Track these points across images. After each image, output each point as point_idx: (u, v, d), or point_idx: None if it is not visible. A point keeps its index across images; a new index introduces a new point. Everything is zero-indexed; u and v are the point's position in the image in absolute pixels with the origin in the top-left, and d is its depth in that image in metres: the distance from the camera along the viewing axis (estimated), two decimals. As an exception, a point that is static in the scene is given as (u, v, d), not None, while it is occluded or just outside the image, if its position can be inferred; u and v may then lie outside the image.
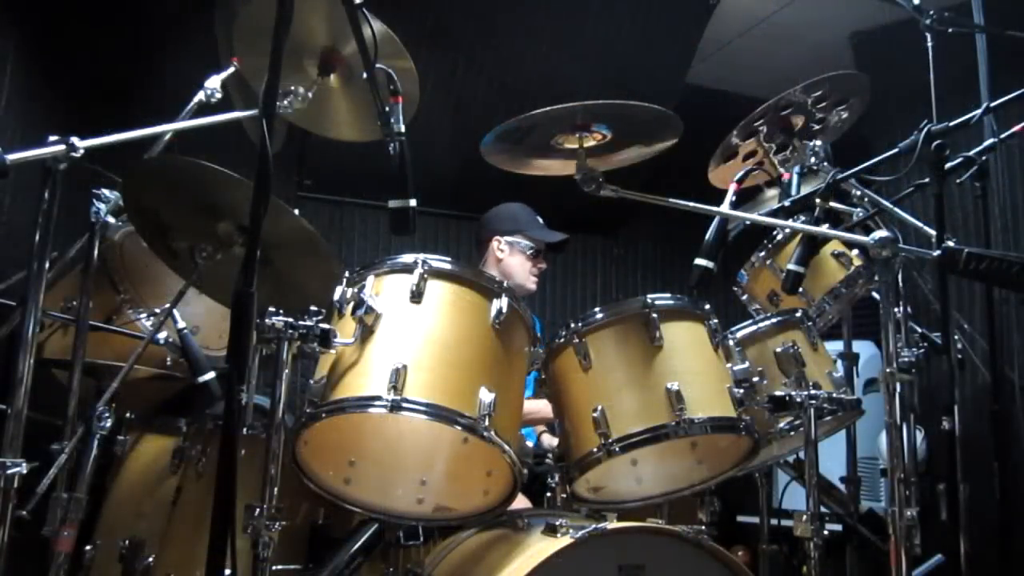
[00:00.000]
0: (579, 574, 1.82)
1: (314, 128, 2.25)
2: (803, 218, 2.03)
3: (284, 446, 1.69)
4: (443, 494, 1.98)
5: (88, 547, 2.13)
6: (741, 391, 2.00)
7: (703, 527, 1.96)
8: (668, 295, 2.04)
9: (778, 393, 2.09)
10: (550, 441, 2.97)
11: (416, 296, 1.83)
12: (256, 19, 1.95)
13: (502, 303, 1.88)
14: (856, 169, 2.01)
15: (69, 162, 1.64)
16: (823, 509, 2.06)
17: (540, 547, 1.83)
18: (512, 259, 3.23)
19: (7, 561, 1.57)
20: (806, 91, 2.34)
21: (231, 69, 2.16)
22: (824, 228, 1.97)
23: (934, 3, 2.47)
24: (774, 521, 2.77)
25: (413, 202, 1.76)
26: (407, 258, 1.89)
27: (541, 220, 3.28)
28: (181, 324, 2.13)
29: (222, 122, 2.00)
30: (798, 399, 2.08)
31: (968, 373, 2.79)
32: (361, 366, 1.76)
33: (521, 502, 2.50)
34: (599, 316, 2.02)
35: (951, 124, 1.82)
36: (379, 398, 1.70)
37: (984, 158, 2.05)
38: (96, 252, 2.06)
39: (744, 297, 2.65)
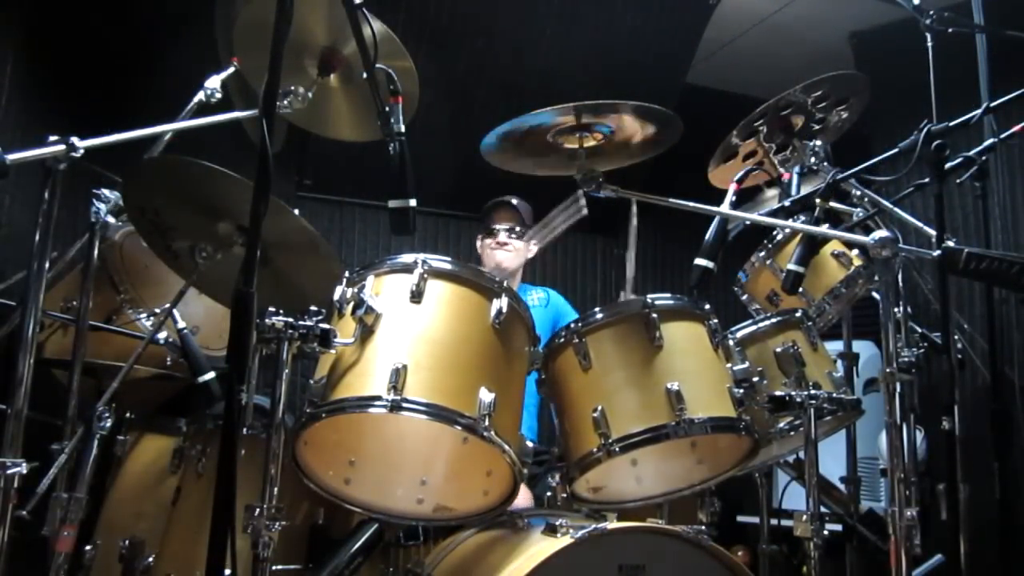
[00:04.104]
0: (579, 574, 1.82)
1: (314, 128, 2.25)
2: (803, 218, 2.03)
3: (284, 446, 1.68)
4: (443, 494, 1.98)
5: (88, 547, 2.13)
6: (741, 391, 2.00)
7: (703, 527, 1.96)
8: (668, 295, 2.04)
9: (778, 393, 2.09)
10: None
11: (416, 296, 1.83)
12: (256, 19, 1.95)
13: (502, 303, 1.88)
14: (856, 169, 2.01)
15: (69, 162, 1.64)
16: (823, 509, 2.07)
17: (540, 547, 1.83)
18: (482, 248, 3.28)
19: (7, 561, 1.57)
20: (806, 91, 2.34)
21: (231, 69, 2.16)
22: (824, 228, 1.97)
23: (934, 3, 2.47)
24: (774, 521, 2.77)
25: (413, 202, 1.76)
26: (407, 258, 1.89)
27: (504, 198, 3.25)
28: (181, 324, 2.13)
29: (222, 122, 2.00)
30: (798, 399, 2.08)
31: (968, 373, 2.79)
32: (361, 366, 1.76)
33: (524, 494, 2.48)
34: (599, 316, 2.02)
35: (951, 124, 1.82)
36: (379, 398, 1.70)
37: (984, 158, 2.05)
38: (96, 252, 2.06)
39: (744, 297, 2.65)
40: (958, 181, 2.06)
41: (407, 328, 1.82)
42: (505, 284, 1.93)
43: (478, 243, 3.34)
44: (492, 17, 3.78)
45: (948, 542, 2.16)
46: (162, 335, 2.13)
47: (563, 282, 4.72)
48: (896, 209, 2.20)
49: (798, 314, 2.32)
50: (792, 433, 2.22)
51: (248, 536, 1.58)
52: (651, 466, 2.10)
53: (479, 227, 3.36)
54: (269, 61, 1.41)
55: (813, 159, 2.29)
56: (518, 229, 3.22)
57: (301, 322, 1.71)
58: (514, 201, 3.24)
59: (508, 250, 3.21)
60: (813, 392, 2.10)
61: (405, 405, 1.70)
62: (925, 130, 1.79)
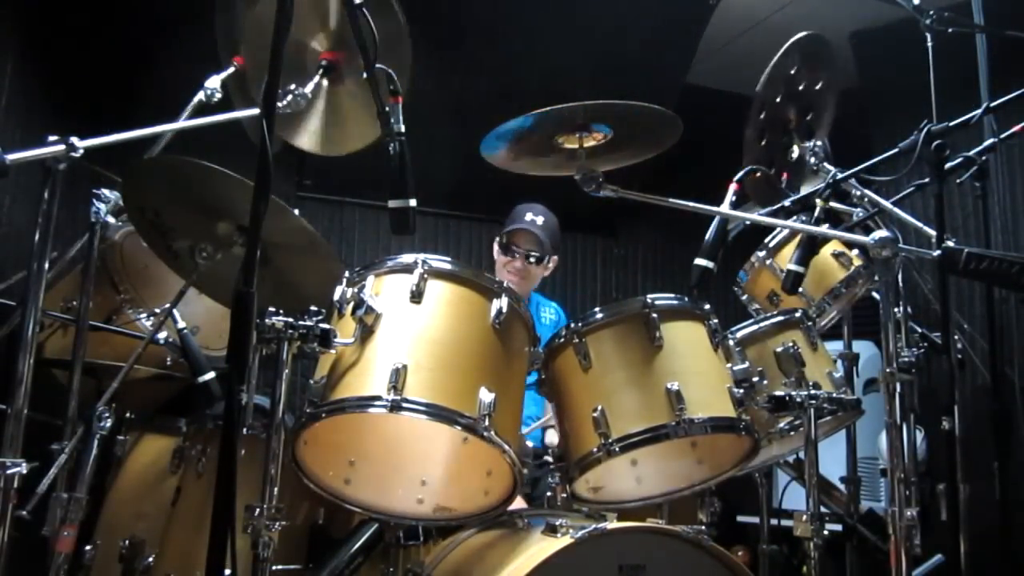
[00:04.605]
0: (579, 574, 1.82)
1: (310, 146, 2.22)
2: (803, 218, 2.03)
3: (284, 446, 1.69)
4: (443, 494, 1.98)
5: (88, 547, 2.13)
6: (741, 391, 2.00)
7: (703, 527, 1.96)
8: (668, 295, 2.04)
9: (778, 393, 2.09)
10: (551, 439, 2.93)
11: (416, 296, 1.83)
12: (262, 19, 1.94)
13: (502, 303, 1.88)
14: (856, 169, 2.01)
15: (69, 162, 1.64)
16: (823, 509, 2.07)
17: (540, 547, 1.83)
18: (497, 257, 3.20)
19: (7, 561, 1.57)
20: (779, 69, 2.30)
21: (231, 69, 2.16)
22: (824, 228, 1.97)
23: (934, 3, 2.47)
24: (774, 521, 2.77)
25: (413, 202, 1.76)
26: (407, 258, 1.89)
27: (531, 216, 3.14)
28: (181, 324, 2.13)
29: (222, 122, 2.00)
30: (798, 399, 2.08)
31: (968, 373, 2.79)
32: (361, 366, 1.76)
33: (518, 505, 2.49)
34: (599, 316, 2.02)
35: (951, 124, 1.83)
36: (379, 398, 1.70)
37: (984, 158, 2.05)
38: (96, 252, 2.06)
39: (744, 297, 2.65)
40: (958, 181, 2.06)
41: (407, 328, 1.82)
42: (505, 284, 1.93)
43: (495, 247, 3.24)
44: (492, 17, 3.78)
45: (948, 542, 2.16)
46: (162, 335, 2.13)
47: (563, 282, 4.72)
48: (896, 209, 2.20)
49: (798, 314, 2.32)
50: (792, 433, 2.22)
51: (248, 536, 1.58)
52: (651, 466, 2.10)
53: (493, 229, 3.30)
54: (269, 61, 1.41)
55: (813, 159, 2.28)
56: (536, 255, 3.12)
57: (301, 322, 1.71)
58: (539, 221, 3.12)
59: (524, 276, 3.13)
60: (813, 392, 2.10)
61: (405, 405, 1.70)
62: (925, 130, 1.79)
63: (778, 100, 2.36)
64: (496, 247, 3.24)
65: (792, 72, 2.31)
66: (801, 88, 2.36)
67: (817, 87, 2.38)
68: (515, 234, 3.14)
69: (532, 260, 3.13)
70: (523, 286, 3.14)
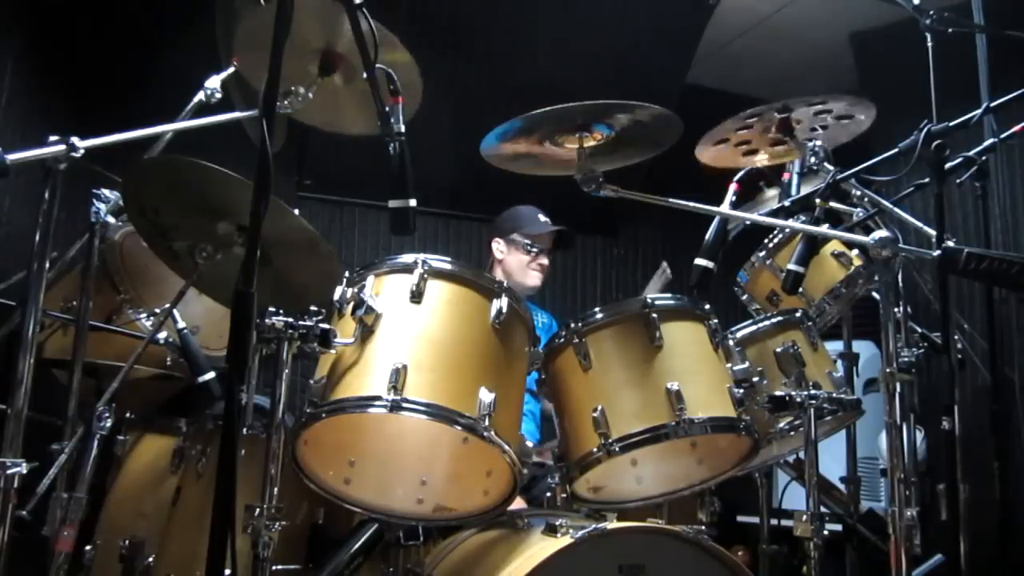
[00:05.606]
0: (579, 574, 1.82)
1: (320, 124, 2.22)
2: (803, 218, 2.03)
3: (284, 446, 1.69)
4: (443, 494, 1.98)
5: (88, 547, 2.13)
6: (741, 391, 2.00)
7: (703, 527, 1.96)
8: (668, 295, 2.05)
9: (778, 393, 2.09)
10: None
11: (416, 296, 1.83)
12: (261, 18, 1.94)
13: (502, 303, 1.88)
14: (856, 169, 2.01)
15: (69, 162, 1.64)
16: (823, 509, 2.07)
17: (540, 547, 1.83)
18: (510, 257, 3.26)
19: (7, 561, 1.57)
20: (806, 102, 2.29)
21: (231, 69, 2.16)
22: (824, 228, 1.97)
23: (934, 3, 2.47)
24: (774, 521, 2.77)
25: (413, 202, 1.76)
26: (407, 258, 1.89)
27: (544, 218, 3.27)
28: (181, 324, 2.13)
29: (222, 122, 2.00)
30: (798, 399, 2.08)
31: (968, 373, 2.78)
32: (361, 366, 1.76)
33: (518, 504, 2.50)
34: (599, 316, 2.02)
35: (951, 124, 1.82)
36: (379, 398, 1.70)
37: (984, 158, 2.05)
38: (96, 252, 2.06)
39: (744, 297, 2.65)
40: (958, 181, 2.06)
41: (407, 328, 1.82)
42: (505, 284, 1.93)
43: (499, 245, 3.28)
44: (492, 17, 3.78)
45: (948, 542, 2.16)
46: (162, 335, 2.13)
47: (563, 282, 4.72)
48: (896, 209, 2.20)
49: (798, 314, 2.32)
50: (792, 433, 2.22)
51: (248, 536, 1.58)
52: (651, 466, 2.10)
53: (492, 228, 3.35)
54: (269, 61, 1.41)
55: (813, 159, 2.28)
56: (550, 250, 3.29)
57: (301, 322, 1.71)
58: (550, 220, 3.28)
59: (546, 272, 3.28)
60: (813, 392, 2.10)
61: (405, 405, 1.70)
62: (925, 130, 1.79)
63: (785, 116, 2.34)
64: (504, 246, 3.26)
65: (818, 107, 2.27)
66: (823, 118, 2.32)
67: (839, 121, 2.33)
68: (542, 237, 3.26)
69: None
70: (543, 278, 3.29)
